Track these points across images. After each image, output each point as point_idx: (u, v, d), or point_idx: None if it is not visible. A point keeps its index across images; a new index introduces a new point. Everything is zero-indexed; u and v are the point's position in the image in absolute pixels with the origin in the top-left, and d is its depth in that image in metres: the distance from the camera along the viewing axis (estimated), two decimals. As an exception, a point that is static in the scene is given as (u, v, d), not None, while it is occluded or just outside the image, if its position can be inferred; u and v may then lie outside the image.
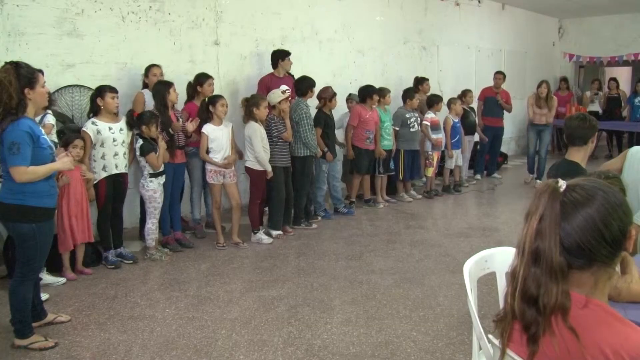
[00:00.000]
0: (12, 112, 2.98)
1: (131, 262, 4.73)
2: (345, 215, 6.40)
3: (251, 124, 5.24)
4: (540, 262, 1.26)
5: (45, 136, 3.20)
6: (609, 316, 1.28)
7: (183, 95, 5.54)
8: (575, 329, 1.24)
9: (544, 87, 8.32)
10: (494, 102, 8.77)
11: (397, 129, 6.99)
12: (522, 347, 1.39)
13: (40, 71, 3.24)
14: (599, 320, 1.27)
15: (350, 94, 7.06)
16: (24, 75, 3.05)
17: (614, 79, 11.66)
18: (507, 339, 1.38)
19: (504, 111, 8.91)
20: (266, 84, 6.14)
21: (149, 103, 5.07)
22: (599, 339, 1.24)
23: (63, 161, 3.27)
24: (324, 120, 6.11)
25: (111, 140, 4.56)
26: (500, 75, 8.91)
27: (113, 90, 4.57)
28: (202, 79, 5.44)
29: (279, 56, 6.24)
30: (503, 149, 10.55)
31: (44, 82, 3.25)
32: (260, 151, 5.20)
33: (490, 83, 9.00)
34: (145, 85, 5.33)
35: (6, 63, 3.08)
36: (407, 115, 7.03)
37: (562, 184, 1.29)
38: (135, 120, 4.71)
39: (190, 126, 5.11)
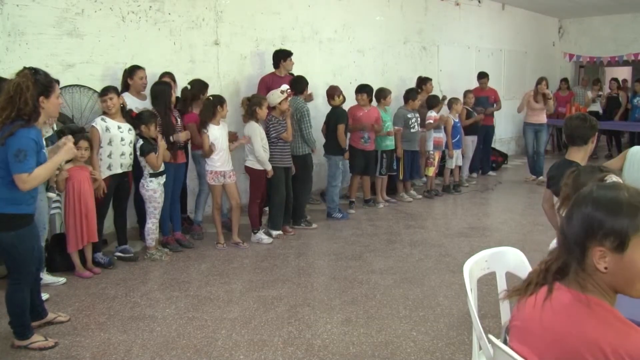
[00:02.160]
0: (25, 118, 2.90)
1: (132, 255, 4.76)
2: (345, 216, 6.39)
3: (251, 123, 5.25)
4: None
5: (45, 151, 3.12)
6: (610, 315, 1.28)
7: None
8: (575, 324, 1.29)
9: (544, 83, 8.39)
10: (483, 101, 8.77)
11: (399, 129, 6.97)
12: (522, 346, 1.40)
13: (57, 81, 3.17)
14: (599, 319, 1.28)
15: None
16: (41, 83, 2.98)
17: (615, 79, 11.67)
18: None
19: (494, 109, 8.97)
20: (267, 84, 6.17)
21: (130, 106, 5.00)
22: (598, 336, 1.24)
23: (65, 149, 3.16)
24: (346, 117, 6.27)
25: (119, 140, 4.57)
26: (484, 79, 8.91)
27: (105, 92, 4.58)
28: (205, 88, 5.46)
29: (282, 56, 6.27)
30: (502, 148, 10.57)
31: (60, 92, 3.18)
32: (259, 150, 5.21)
33: (490, 83, 9.03)
34: (125, 88, 5.21)
35: (25, 68, 3.02)
36: (409, 116, 7.04)
37: (610, 178, 1.40)
38: (134, 120, 4.70)
39: (183, 135, 5.10)
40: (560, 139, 11.25)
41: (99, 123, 4.54)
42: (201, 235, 5.53)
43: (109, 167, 4.58)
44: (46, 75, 3.07)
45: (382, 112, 6.76)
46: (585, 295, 1.31)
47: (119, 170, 4.63)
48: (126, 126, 4.64)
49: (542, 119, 8.50)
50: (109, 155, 4.57)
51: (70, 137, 3.28)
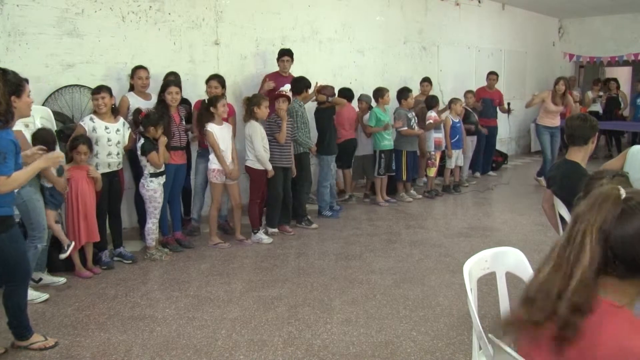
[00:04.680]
0: (1, 119, 2.83)
1: (130, 262, 4.73)
2: (344, 215, 6.41)
3: (251, 123, 5.27)
4: (591, 264, 1.25)
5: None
6: (637, 324, 1.27)
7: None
8: (601, 333, 1.24)
9: (561, 84, 7.96)
10: (488, 102, 8.76)
11: (405, 127, 6.97)
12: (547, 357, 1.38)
13: (26, 80, 3.12)
14: (626, 328, 1.25)
15: (361, 95, 7.13)
16: (11, 82, 2.92)
17: (615, 79, 11.67)
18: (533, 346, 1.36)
19: (497, 111, 8.96)
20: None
21: (134, 106, 5.02)
22: (624, 345, 1.22)
23: (46, 157, 3.13)
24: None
25: (105, 140, 4.56)
26: (493, 76, 8.92)
27: (97, 91, 4.55)
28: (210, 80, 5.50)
29: (277, 57, 6.32)
30: (502, 148, 10.57)
31: (30, 91, 3.14)
32: (260, 150, 5.22)
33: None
34: (131, 88, 5.24)
35: None
36: (409, 116, 7.05)
37: (623, 192, 1.29)
38: (142, 120, 4.69)
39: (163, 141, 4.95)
40: (561, 139, 11.25)
41: (87, 122, 4.53)
42: (197, 230, 5.51)
43: (96, 167, 4.55)
44: (15, 74, 3.01)
45: (381, 112, 6.77)
46: (619, 304, 1.28)
47: (107, 170, 4.62)
48: (114, 127, 4.61)
49: (557, 121, 8.15)
50: (96, 155, 4.55)
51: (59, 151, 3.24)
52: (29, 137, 3.94)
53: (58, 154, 3.29)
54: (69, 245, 4.18)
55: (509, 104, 9.17)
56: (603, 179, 2.30)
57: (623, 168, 3.44)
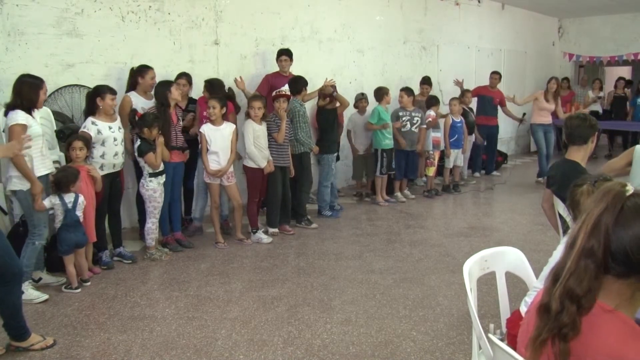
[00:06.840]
0: None
1: (130, 262, 4.73)
2: (344, 215, 6.42)
3: (246, 120, 5.34)
4: (589, 260, 1.23)
5: None
6: (632, 331, 1.24)
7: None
8: (594, 337, 1.22)
9: (553, 82, 8.40)
10: (488, 100, 8.77)
11: (398, 123, 6.97)
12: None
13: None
14: (621, 335, 1.23)
15: (362, 94, 7.13)
16: None
17: (622, 78, 11.68)
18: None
19: (498, 110, 8.97)
20: (269, 82, 6.31)
21: (137, 106, 5.01)
22: (616, 352, 1.20)
23: (7, 146, 3.14)
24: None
25: (112, 140, 4.55)
26: (496, 76, 8.95)
27: (113, 92, 4.56)
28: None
29: (276, 56, 6.34)
30: (502, 148, 10.57)
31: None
32: (250, 147, 5.24)
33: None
34: (132, 87, 5.20)
35: None
36: (400, 114, 7.04)
37: (630, 188, 1.26)
38: (138, 121, 4.69)
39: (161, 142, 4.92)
40: (561, 138, 11.25)
41: (90, 127, 4.47)
42: (197, 231, 5.50)
43: (101, 168, 4.54)
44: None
45: (382, 111, 6.77)
46: (611, 308, 1.25)
47: (112, 170, 4.62)
48: (115, 125, 4.61)
49: (550, 119, 8.42)
50: (102, 156, 4.53)
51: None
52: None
53: (13, 142, 3.28)
54: (73, 287, 4.13)
55: (524, 114, 9.48)
56: (584, 185, 2.26)
57: (632, 168, 3.42)
